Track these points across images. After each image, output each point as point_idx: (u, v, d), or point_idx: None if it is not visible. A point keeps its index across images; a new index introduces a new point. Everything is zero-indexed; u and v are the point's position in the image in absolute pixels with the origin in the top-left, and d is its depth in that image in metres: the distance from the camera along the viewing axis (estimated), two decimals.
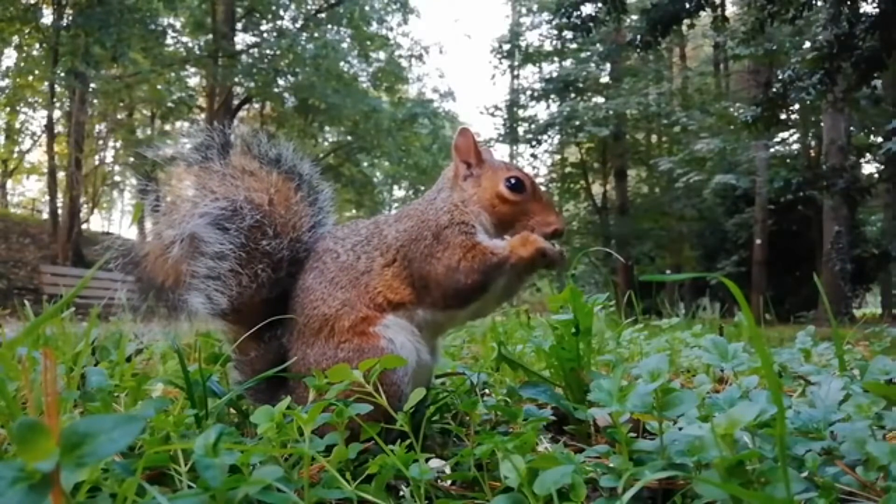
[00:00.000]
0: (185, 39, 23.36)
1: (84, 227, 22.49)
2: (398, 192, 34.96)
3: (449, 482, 1.12)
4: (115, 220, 41.72)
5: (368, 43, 25.32)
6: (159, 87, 22.48)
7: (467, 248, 1.34)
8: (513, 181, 1.40)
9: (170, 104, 23.38)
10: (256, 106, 27.50)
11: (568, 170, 28.91)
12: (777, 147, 21.74)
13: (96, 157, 27.12)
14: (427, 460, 1.13)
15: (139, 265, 1.48)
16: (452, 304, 1.37)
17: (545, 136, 27.46)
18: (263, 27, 24.01)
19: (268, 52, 22.90)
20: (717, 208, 21.95)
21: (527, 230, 1.38)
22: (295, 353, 1.37)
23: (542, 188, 1.52)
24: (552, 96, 26.75)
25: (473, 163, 1.44)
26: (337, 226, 1.56)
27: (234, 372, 1.51)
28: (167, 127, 24.78)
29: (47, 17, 18.42)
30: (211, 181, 1.47)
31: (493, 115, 28.81)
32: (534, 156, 28.66)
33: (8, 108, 23.54)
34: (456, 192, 1.41)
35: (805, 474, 0.96)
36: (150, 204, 1.50)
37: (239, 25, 23.36)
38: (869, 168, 20.22)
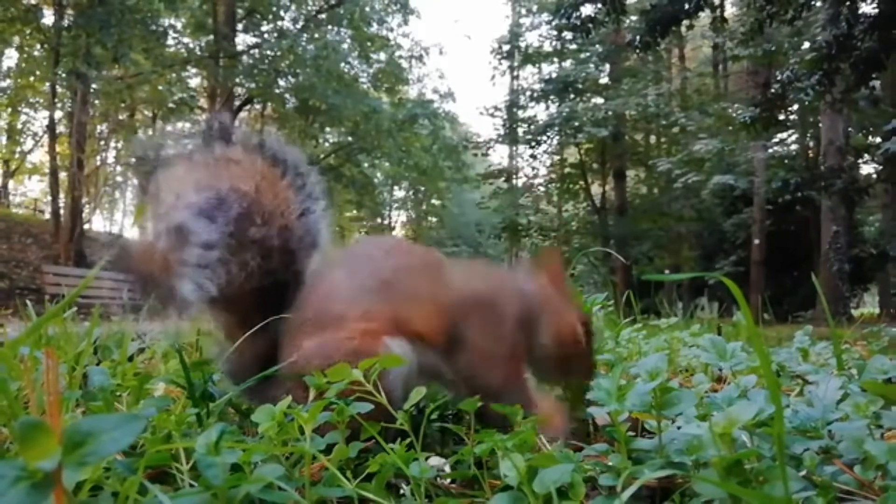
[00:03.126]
0: (186, 40, 23.37)
1: (86, 227, 22.48)
2: (398, 193, 34.97)
3: (449, 480, 1.13)
4: (117, 220, 41.74)
5: (369, 44, 25.32)
6: (160, 87, 22.50)
7: (516, 363, 1.34)
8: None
9: (171, 105, 23.38)
10: (258, 107, 27.51)
11: (567, 170, 28.90)
12: (775, 147, 21.74)
13: (98, 157, 27.12)
14: (427, 459, 1.14)
15: (129, 258, 1.48)
16: (464, 384, 1.34)
17: (544, 137, 27.44)
18: (264, 28, 24.01)
19: (268, 52, 22.89)
20: (716, 209, 21.95)
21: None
22: (290, 343, 1.35)
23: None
24: (552, 97, 26.74)
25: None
26: (374, 236, 1.53)
27: (222, 361, 1.47)
28: (168, 128, 24.81)
29: (48, 17, 18.45)
30: (195, 172, 1.45)
31: (492, 115, 28.82)
32: (533, 156, 28.66)
33: (9, 109, 23.56)
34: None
35: (803, 473, 0.96)
36: (138, 199, 1.49)
37: (240, 26, 23.36)
38: (867, 168, 20.27)
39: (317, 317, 1.35)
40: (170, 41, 21.57)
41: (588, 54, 25.93)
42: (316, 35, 23.11)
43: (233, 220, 1.41)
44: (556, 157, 29.53)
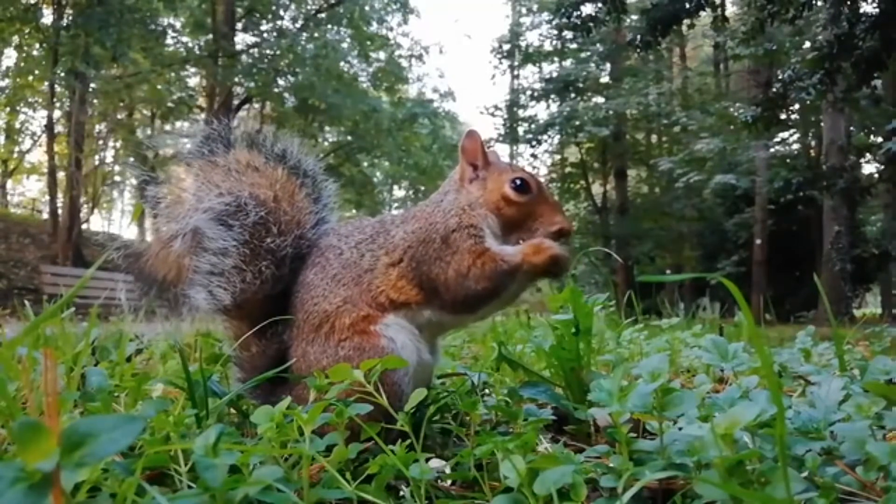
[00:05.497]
0: (185, 39, 23.38)
1: (84, 227, 22.48)
2: (398, 192, 34.95)
3: (449, 482, 1.12)
4: (115, 220, 41.75)
5: (368, 43, 25.31)
6: (159, 87, 22.48)
7: (477, 253, 1.33)
8: (518, 182, 1.39)
9: (170, 104, 23.38)
10: (256, 106, 27.51)
11: (568, 170, 28.90)
12: (777, 147, 21.74)
13: (96, 157, 27.11)
14: (427, 460, 1.13)
15: (140, 259, 1.47)
16: (462, 310, 1.37)
17: (545, 136, 27.45)
18: (263, 27, 24.01)
19: (268, 52, 22.90)
20: (717, 208, 21.96)
21: (532, 231, 1.38)
22: (295, 350, 1.37)
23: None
24: (552, 96, 26.74)
25: (480, 165, 1.43)
26: (341, 223, 1.56)
27: (235, 368, 1.50)
28: (167, 127, 24.79)
29: (47, 17, 18.45)
30: (215, 175, 1.45)
31: (493, 115, 28.83)
32: (534, 156, 28.68)
33: (8, 108, 23.54)
34: (462, 194, 1.41)
35: (805, 474, 0.96)
36: (152, 197, 1.48)
37: (239, 25, 23.35)
38: (869, 168, 20.21)
39: (307, 318, 1.36)
40: (169, 40, 21.60)
41: (589, 53, 25.92)
42: (315, 34, 23.11)
43: (249, 227, 1.41)
44: (557, 157, 29.53)
